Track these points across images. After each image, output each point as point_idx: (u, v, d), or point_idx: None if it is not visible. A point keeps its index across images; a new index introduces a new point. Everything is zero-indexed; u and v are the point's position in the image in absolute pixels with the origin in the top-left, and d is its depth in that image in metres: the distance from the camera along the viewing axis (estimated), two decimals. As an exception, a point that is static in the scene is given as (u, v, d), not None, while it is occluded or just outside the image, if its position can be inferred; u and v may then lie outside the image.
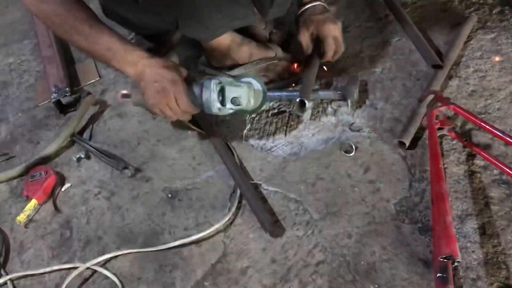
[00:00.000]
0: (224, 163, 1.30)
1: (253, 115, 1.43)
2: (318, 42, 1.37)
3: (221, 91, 1.22)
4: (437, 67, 1.40)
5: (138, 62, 1.17)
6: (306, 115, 1.38)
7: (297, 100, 1.32)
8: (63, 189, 1.34)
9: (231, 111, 1.25)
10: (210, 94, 1.21)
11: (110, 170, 1.36)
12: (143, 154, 1.39)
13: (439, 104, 1.27)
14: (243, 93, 1.23)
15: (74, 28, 1.16)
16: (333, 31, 1.34)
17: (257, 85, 1.26)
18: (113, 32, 1.18)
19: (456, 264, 0.99)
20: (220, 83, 1.21)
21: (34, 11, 1.19)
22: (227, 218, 1.18)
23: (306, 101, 1.30)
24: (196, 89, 1.22)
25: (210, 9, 1.26)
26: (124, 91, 1.32)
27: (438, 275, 0.95)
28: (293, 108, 1.41)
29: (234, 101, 1.22)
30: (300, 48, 1.41)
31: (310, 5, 1.37)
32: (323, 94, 1.40)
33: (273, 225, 1.14)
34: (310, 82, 1.37)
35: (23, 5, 1.18)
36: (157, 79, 1.16)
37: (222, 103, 1.22)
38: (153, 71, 1.16)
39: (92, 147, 1.41)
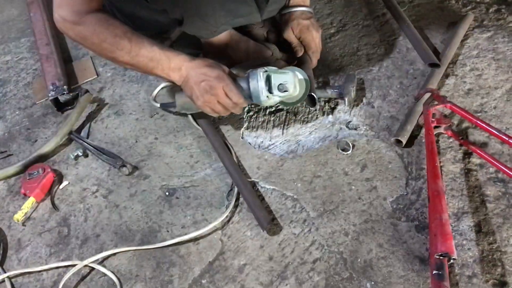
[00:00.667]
0: (221, 161, 1.31)
1: (251, 113, 1.43)
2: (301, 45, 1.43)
3: (268, 80, 1.21)
4: (434, 65, 1.41)
5: (181, 67, 1.19)
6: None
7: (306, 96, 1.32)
8: (60, 187, 1.34)
9: (278, 98, 1.24)
10: (258, 83, 1.20)
11: (107, 168, 1.37)
12: (140, 152, 1.39)
13: (436, 102, 1.28)
14: (289, 79, 1.22)
15: (114, 44, 1.16)
16: (316, 38, 1.40)
17: (300, 74, 1.26)
18: (152, 42, 1.19)
19: (452, 261, 1.00)
20: (266, 71, 1.21)
21: (71, 35, 1.20)
22: (225, 216, 1.18)
23: (314, 95, 1.30)
24: (242, 82, 1.23)
25: (214, 6, 1.28)
26: (161, 103, 1.38)
27: (434, 272, 0.96)
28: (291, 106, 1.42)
29: (281, 88, 1.22)
30: (287, 46, 1.45)
31: (298, 9, 1.41)
32: (320, 92, 1.41)
33: (270, 223, 1.14)
34: (311, 77, 1.38)
35: (60, 30, 1.19)
36: (203, 79, 1.17)
37: (270, 90, 1.22)
38: (197, 72, 1.18)
39: (90, 145, 1.41)
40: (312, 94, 1.29)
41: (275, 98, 1.23)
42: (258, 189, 1.25)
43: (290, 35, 1.43)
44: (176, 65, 1.19)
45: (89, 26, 1.16)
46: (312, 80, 1.36)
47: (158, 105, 1.44)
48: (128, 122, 1.48)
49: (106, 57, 1.24)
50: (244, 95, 1.22)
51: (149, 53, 1.17)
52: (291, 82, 1.22)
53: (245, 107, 1.35)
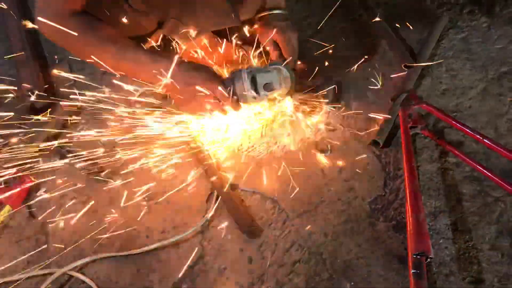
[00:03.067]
0: (201, 165, 1.30)
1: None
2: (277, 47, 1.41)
3: (253, 80, 1.21)
4: (410, 66, 1.42)
5: (166, 70, 1.17)
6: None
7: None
8: (37, 194, 1.32)
9: (265, 97, 1.24)
10: (243, 84, 1.20)
11: (86, 174, 1.35)
12: (119, 158, 1.38)
13: (412, 102, 1.29)
14: (274, 78, 1.22)
15: (98, 47, 1.15)
16: (292, 39, 1.39)
17: (284, 70, 1.25)
18: (137, 45, 1.18)
19: (429, 260, 1.01)
20: (250, 72, 1.20)
21: (54, 39, 1.17)
22: (205, 220, 1.18)
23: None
24: (227, 84, 1.21)
25: (195, 10, 1.27)
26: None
27: (413, 271, 0.96)
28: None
29: (267, 87, 1.21)
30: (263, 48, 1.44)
31: (274, 11, 1.41)
32: (299, 94, 1.41)
33: (250, 226, 1.14)
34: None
35: (43, 33, 1.16)
36: (190, 83, 1.17)
37: (256, 91, 1.22)
38: (184, 76, 1.17)
39: (68, 151, 1.39)
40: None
41: (262, 97, 1.23)
42: (238, 192, 1.24)
43: (266, 37, 1.43)
44: (162, 69, 1.17)
45: (73, 29, 1.12)
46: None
47: None
48: (106, 128, 1.47)
49: (90, 60, 1.20)
50: (232, 95, 1.21)
51: (134, 56, 1.16)
52: (276, 81, 1.22)
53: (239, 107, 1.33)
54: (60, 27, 1.12)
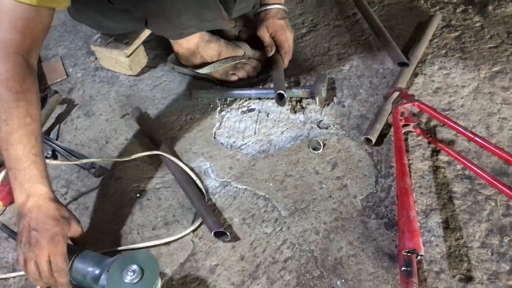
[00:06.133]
0: (172, 174, 1.29)
1: (223, 113, 1.43)
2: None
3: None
4: (403, 64, 1.43)
5: (32, 195, 0.98)
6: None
7: (276, 94, 1.33)
8: (29, 190, 1.31)
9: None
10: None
11: (77, 169, 1.34)
12: (111, 153, 1.38)
13: (405, 101, 1.30)
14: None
15: (2, 109, 0.94)
16: (290, 39, 1.41)
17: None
18: (41, 150, 0.99)
19: (420, 257, 1.01)
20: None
21: None
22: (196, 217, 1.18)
23: (284, 93, 1.31)
24: (81, 263, 1.02)
25: (179, 8, 1.26)
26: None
27: (403, 268, 0.97)
28: (263, 106, 1.42)
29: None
30: (260, 43, 1.46)
31: (273, 6, 1.41)
32: (291, 92, 1.42)
33: (218, 225, 1.13)
34: (282, 75, 1.39)
35: None
36: (37, 228, 0.96)
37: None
38: (38, 215, 0.97)
39: (59, 146, 1.38)
40: (282, 92, 1.30)
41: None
42: (224, 192, 1.25)
43: (264, 34, 1.43)
44: (31, 189, 0.97)
45: (4, 66, 0.94)
46: (282, 80, 1.37)
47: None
48: (98, 123, 1.47)
49: None
50: (72, 275, 1.01)
51: (22, 153, 0.95)
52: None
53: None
54: None
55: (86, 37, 1.80)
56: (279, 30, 1.40)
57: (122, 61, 1.55)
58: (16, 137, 0.94)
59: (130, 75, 1.60)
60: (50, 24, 1.01)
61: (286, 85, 1.40)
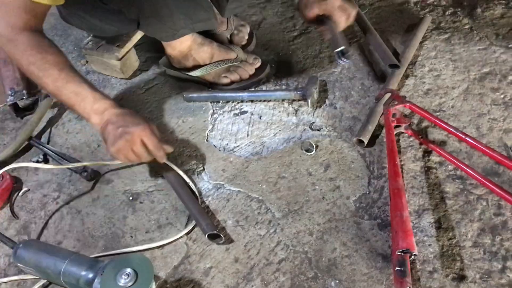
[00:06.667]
0: (165, 177, 1.29)
1: (215, 116, 1.43)
2: (327, 19, 1.28)
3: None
4: (394, 66, 1.44)
5: (105, 111, 1.14)
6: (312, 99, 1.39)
7: (338, 50, 1.25)
8: (20, 194, 1.31)
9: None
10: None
11: (69, 173, 1.34)
12: (103, 157, 1.37)
13: (396, 102, 1.31)
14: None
15: (42, 70, 1.11)
16: (336, 2, 1.26)
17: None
18: (83, 79, 1.15)
19: (413, 257, 1.02)
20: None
21: (4, 50, 1.15)
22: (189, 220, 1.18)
23: (345, 49, 1.25)
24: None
25: (171, 8, 1.26)
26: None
27: (396, 268, 0.97)
28: (255, 108, 1.43)
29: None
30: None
31: None
32: (284, 94, 1.42)
33: (212, 228, 1.13)
34: (340, 33, 1.28)
35: None
36: (122, 124, 1.12)
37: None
38: (119, 119, 1.13)
39: (51, 150, 1.38)
40: (343, 48, 1.24)
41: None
42: (217, 195, 1.25)
43: (308, 17, 1.30)
44: (100, 108, 1.14)
45: (20, 45, 1.10)
46: (341, 34, 1.28)
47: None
48: (89, 127, 1.46)
49: (33, 80, 1.17)
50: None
51: (76, 88, 1.13)
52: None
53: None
54: (9, 41, 1.10)
55: (77, 41, 1.80)
56: (321, 4, 1.26)
57: (114, 64, 1.55)
58: (61, 81, 1.11)
59: (121, 78, 1.60)
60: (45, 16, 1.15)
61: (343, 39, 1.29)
